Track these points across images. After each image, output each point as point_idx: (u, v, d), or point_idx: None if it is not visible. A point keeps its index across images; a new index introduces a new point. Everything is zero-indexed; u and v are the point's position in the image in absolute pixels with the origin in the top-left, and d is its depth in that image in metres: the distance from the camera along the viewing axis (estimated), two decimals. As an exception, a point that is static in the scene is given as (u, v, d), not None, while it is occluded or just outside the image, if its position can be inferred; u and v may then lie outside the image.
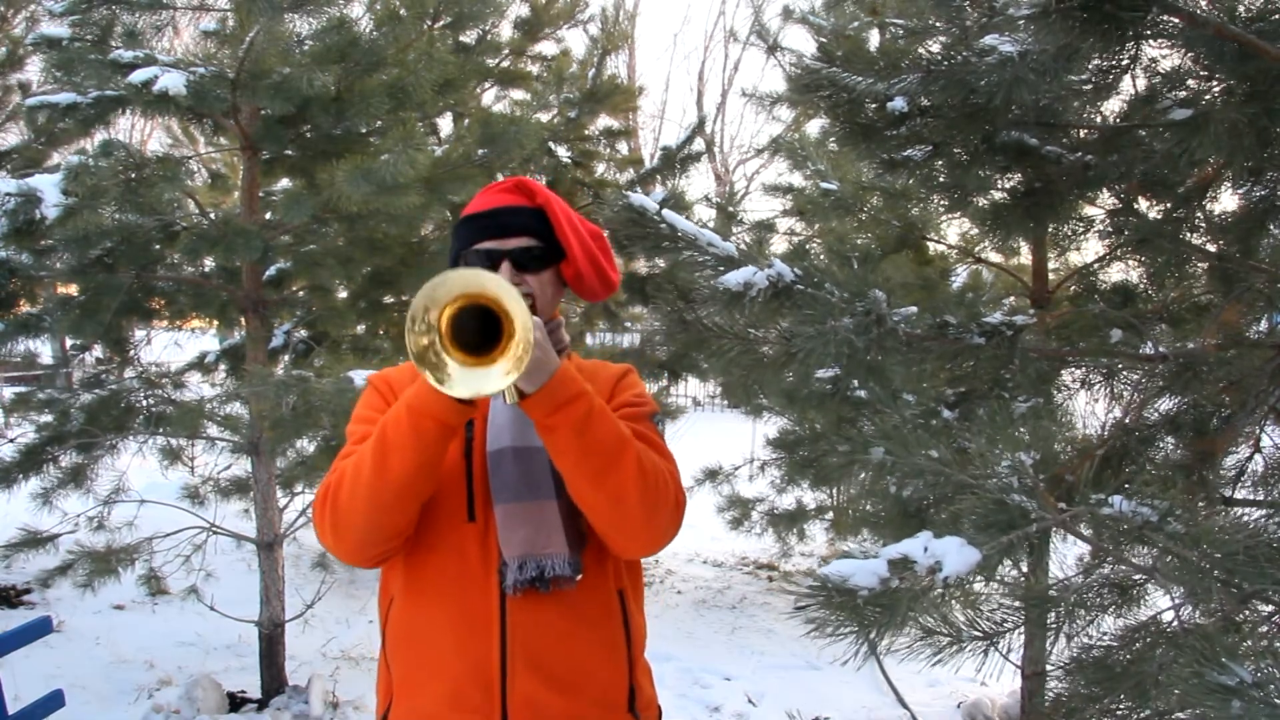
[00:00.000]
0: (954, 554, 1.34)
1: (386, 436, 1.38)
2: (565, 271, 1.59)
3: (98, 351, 4.87)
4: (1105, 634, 1.82)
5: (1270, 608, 1.57)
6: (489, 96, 6.65)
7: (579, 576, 1.47)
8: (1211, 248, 2.46)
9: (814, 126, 5.42)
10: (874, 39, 3.97)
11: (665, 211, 1.62)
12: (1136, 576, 1.75)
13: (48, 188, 3.47)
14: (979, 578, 1.54)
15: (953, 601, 1.61)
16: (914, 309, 1.85)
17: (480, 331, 1.28)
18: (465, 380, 1.26)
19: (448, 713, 1.46)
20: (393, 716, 1.53)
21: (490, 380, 1.25)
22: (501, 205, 1.57)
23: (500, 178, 4.70)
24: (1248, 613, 1.54)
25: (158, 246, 3.95)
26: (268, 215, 4.30)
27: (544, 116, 6.03)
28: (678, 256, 1.75)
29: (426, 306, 1.25)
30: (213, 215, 4.03)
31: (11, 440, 4.50)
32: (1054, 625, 1.78)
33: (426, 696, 1.48)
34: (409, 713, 1.50)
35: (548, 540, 1.45)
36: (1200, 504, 1.88)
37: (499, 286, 1.25)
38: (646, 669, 1.62)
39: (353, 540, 1.44)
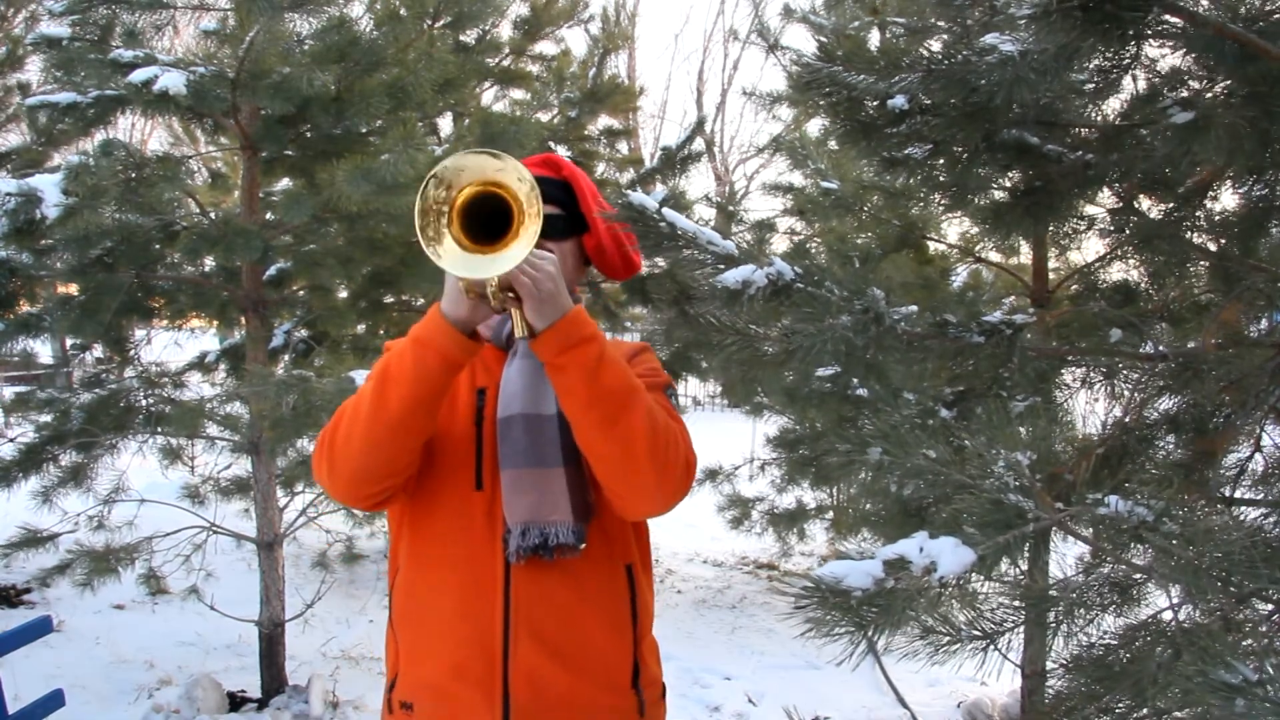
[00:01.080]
0: (949, 554, 1.33)
1: (389, 370, 1.40)
2: (588, 244, 1.62)
3: (98, 351, 4.86)
4: (1106, 633, 1.82)
5: (1270, 606, 1.56)
6: (489, 96, 6.66)
7: (583, 546, 1.46)
8: (1212, 246, 2.45)
9: (814, 125, 5.42)
10: (874, 38, 3.97)
11: (665, 210, 1.62)
12: (1136, 576, 1.75)
13: (48, 187, 3.47)
14: (979, 577, 1.54)
15: (952, 601, 1.61)
16: (914, 307, 1.85)
17: (491, 233, 1.29)
18: (460, 262, 1.27)
19: (450, 683, 1.46)
20: (399, 686, 1.54)
21: (493, 264, 1.26)
22: None
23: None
24: (1248, 611, 1.54)
25: (158, 246, 3.95)
26: (268, 215, 4.30)
27: (544, 116, 6.04)
28: (678, 255, 1.74)
29: (450, 182, 1.27)
30: (213, 215, 4.03)
31: (11, 440, 4.50)
32: (1054, 624, 1.77)
33: (430, 666, 1.49)
34: (414, 683, 1.51)
35: (552, 508, 1.44)
36: (1200, 503, 1.88)
37: (516, 176, 1.26)
38: (653, 646, 1.62)
39: (346, 476, 1.43)
